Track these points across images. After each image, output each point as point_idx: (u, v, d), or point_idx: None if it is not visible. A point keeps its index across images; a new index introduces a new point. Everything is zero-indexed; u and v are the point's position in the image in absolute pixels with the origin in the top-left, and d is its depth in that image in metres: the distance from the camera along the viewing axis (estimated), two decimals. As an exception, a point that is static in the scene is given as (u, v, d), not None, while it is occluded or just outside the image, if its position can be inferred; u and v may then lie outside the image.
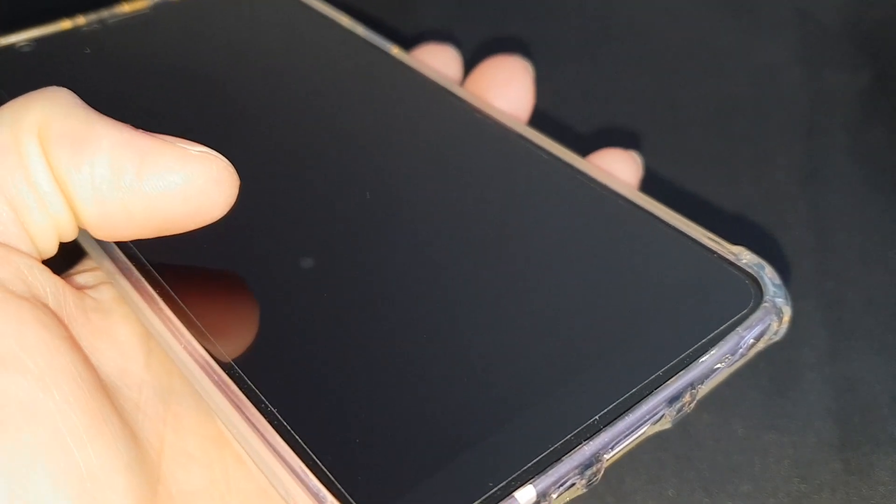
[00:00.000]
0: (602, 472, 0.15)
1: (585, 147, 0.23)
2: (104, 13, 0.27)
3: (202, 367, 0.16)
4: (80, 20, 0.26)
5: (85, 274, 0.19)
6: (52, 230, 0.17)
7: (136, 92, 0.24)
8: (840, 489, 0.22)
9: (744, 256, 0.19)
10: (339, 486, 0.14)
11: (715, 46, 0.35)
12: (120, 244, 0.19)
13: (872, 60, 0.34)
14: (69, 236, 0.17)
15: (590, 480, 0.15)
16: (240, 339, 0.17)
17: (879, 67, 0.34)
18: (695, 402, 0.17)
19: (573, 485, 0.15)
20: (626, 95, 0.33)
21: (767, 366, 0.25)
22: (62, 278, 0.18)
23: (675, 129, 0.32)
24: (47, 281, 0.17)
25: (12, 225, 0.16)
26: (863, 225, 0.28)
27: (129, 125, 0.17)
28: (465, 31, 0.36)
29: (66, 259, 0.20)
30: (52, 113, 0.16)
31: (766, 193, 0.30)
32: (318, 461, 0.15)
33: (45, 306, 0.16)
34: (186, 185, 0.16)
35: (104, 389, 0.16)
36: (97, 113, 0.17)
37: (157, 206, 0.16)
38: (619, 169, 0.22)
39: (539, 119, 0.25)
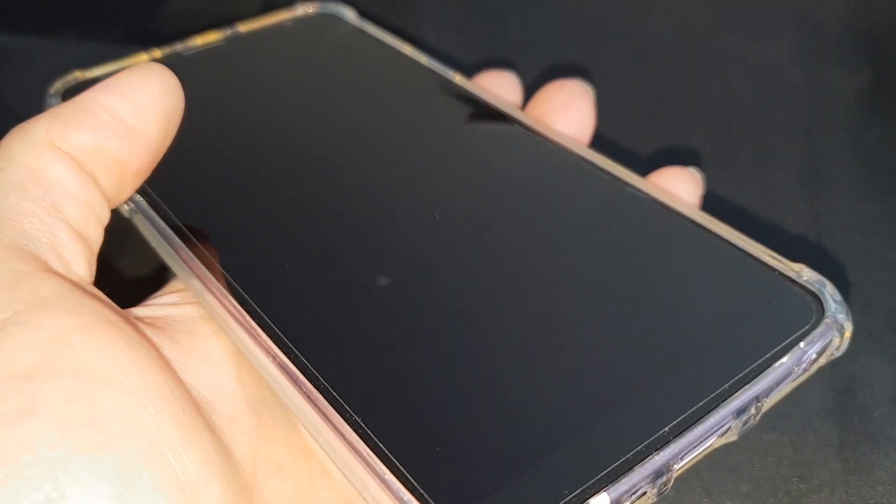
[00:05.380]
0: (672, 481, 0.16)
1: (640, 162, 0.23)
2: (179, 46, 0.28)
3: (290, 380, 0.17)
4: (157, 53, 0.27)
5: (172, 295, 0.20)
6: (92, 218, 0.18)
7: (215, 123, 0.25)
8: (839, 489, 0.22)
9: (805, 274, 0.19)
10: (422, 491, 0.15)
11: (715, 47, 0.35)
12: (205, 261, 0.20)
13: (872, 61, 0.34)
14: (105, 218, 0.19)
15: (660, 490, 0.15)
16: (325, 351, 0.18)
17: (879, 67, 0.34)
18: (760, 414, 0.17)
19: (644, 493, 0.15)
20: (627, 95, 0.34)
21: (767, 366, 0.25)
22: (151, 299, 0.20)
23: (676, 129, 0.32)
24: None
25: (61, 232, 0.18)
26: (862, 225, 0.28)
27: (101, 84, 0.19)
28: (464, 31, 0.36)
29: (154, 284, 0.21)
30: (53, 115, 0.18)
31: (766, 193, 0.30)
32: (401, 468, 0.15)
33: (135, 330, 0.17)
34: (160, 84, 0.19)
35: (196, 406, 0.17)
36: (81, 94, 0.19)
37: (156, 109, 0.19)
38: (680, 188, 0.22)
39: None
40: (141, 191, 0.21)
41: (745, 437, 0.23)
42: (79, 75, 0.26)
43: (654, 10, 0.37)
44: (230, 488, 0.16)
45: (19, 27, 0.35)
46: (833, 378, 0.24)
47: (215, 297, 0.19)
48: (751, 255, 0.20)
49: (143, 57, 0.27)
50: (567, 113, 0.25)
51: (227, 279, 0.19)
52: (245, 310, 0.18)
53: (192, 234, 0.20)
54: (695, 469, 0.23)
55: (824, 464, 0.23)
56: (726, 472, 0.23)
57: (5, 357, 0.15)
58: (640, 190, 0.22)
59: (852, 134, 0.32)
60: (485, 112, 0.25)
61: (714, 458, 0.23)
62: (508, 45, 0.36)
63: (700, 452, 0.16)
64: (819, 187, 0.30)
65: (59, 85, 0.25)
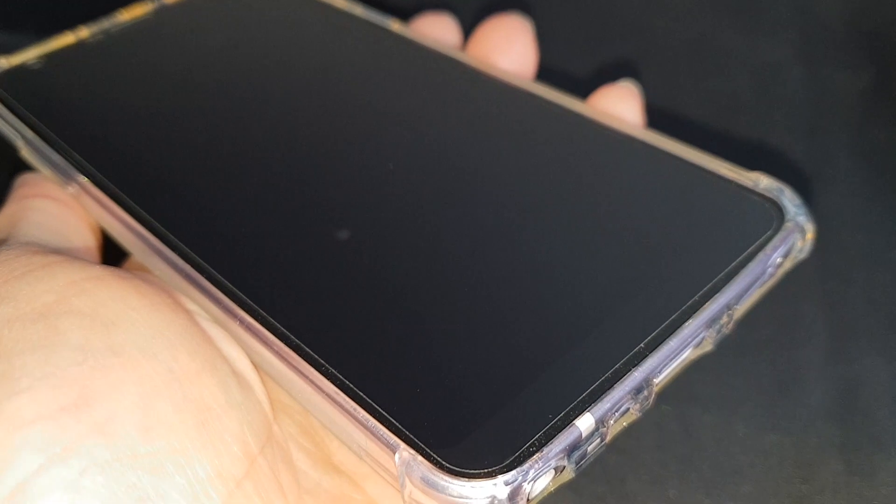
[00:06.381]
0: (653, 396, 0.16)
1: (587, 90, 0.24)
2: (105, 23, 0.27)
3: (261, 342, 0.17)
4: (83, 32, 0.26)
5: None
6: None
7: (151, 99, 0.24)
8: (842, 490, 0.22)
9: (762, 181, 0.20)
10: (406, 432, 0.15)
11: (716, 45, 0.35)
12: (160, 235, 0.19)
13: (874, 59, 0.34)
14: None
15: (642, 405, 0.16)
16: (291, 307, 0.18)
17: (881, 66, 0.34)
18: (732, 323, 0.17)
19: (628, 410, 0.16)
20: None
21: (769, 366, 0.25)
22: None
23: (676, 129, 0.32)
24: None
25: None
26: (865, 225, 0.28)
27: None
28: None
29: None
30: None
31: (768, 193, 0.29)
32: (384, 413, 0.15)
33: (146, 281, 0.18)
34: None
35: (211, 342, 0.18)
36: None
37: None
38: (622, 107, 0.23)
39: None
40: (85, 172, 0.21)
41: (747, 437, 0.23)
42: (3, 62, 0.25)
43: (654, 8, 0.37)
44: (250, 417, 0.17)
45: (18, 26, 0.35)
46: (835, 379, 0.24)
47: (173, 267, 0.19)
48: (708, 170, 0.20)
49: (69, 37, 0.26)
50: (507, 49, 0.25)
51: (181, 249, 0.19)
52: (205, 276, 0.18)
53: (144, 208, 0.20)
54: (696, 470, 0.23)
55: (827, 465, 0.22)
56: (728, 473, 0.22)
57: (25, 295, 0.16)
58: (590, 119, 0.22)
59: (854, 133, 0.31)
60: (426, 57, 0.25)
61: (716, 459, 0.23)
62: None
63: (678, 364, 0.17)
64: (821, 187, 0.30)
65: None
